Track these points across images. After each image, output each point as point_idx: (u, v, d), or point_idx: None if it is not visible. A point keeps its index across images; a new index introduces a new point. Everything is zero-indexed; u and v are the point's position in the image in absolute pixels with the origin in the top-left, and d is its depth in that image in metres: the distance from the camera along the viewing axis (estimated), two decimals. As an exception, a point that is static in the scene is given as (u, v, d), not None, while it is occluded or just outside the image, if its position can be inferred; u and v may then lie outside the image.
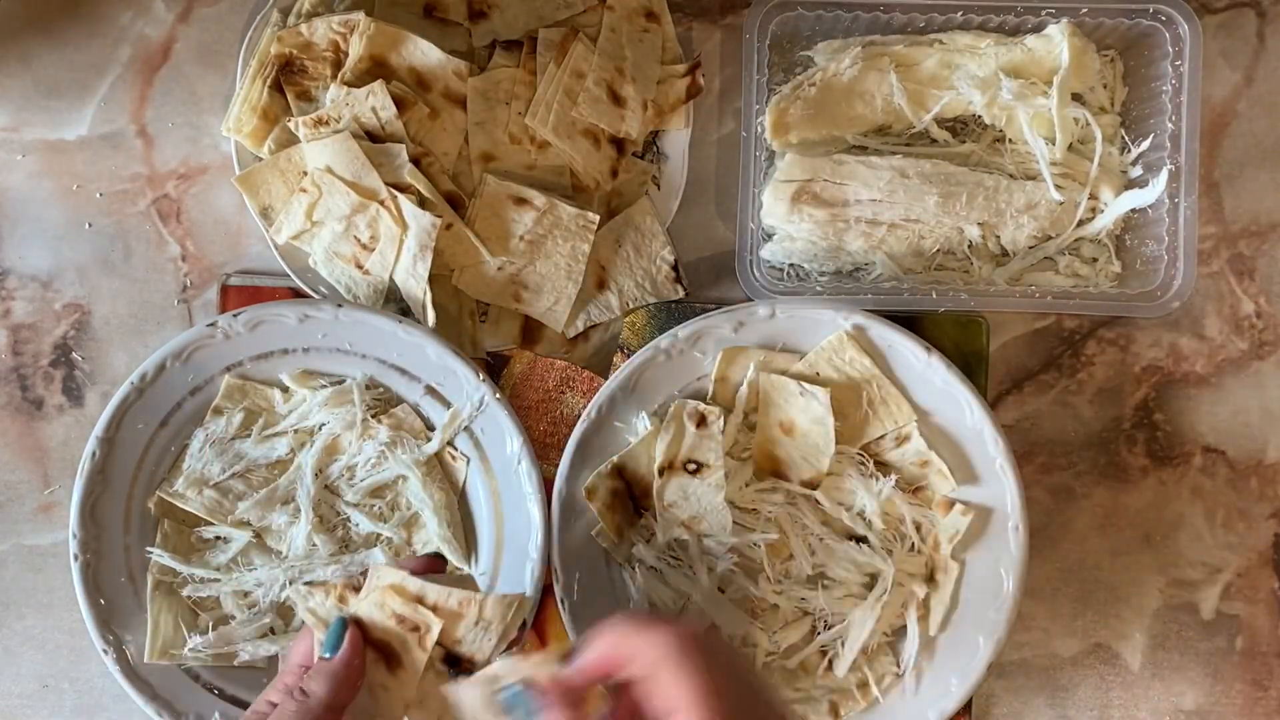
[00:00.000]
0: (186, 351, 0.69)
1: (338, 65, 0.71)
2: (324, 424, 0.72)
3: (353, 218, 0.71)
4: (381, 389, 0.72)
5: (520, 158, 0.74)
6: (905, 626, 0.71)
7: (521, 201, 0.73)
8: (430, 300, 0.71)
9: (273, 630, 0.72)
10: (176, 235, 0.76)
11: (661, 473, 0.70)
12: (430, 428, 0.72)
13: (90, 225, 0.76)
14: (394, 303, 0.73)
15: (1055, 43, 0.72)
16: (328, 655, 0.54)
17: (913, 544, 0.71)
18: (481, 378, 0.70)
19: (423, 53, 0.71)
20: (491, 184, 0.73)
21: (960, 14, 0.73)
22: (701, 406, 0.70)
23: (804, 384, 0.69)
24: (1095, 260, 0.75)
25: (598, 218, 0.73)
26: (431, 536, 0.71)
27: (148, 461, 0.71)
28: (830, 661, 0.71)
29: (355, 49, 0.71)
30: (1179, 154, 0.72)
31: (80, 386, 0.76)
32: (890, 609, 0.70)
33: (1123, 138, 0.74)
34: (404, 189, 0.71)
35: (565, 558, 0.70)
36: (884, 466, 0.71)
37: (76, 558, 0.69)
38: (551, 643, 0.74)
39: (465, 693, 0.52)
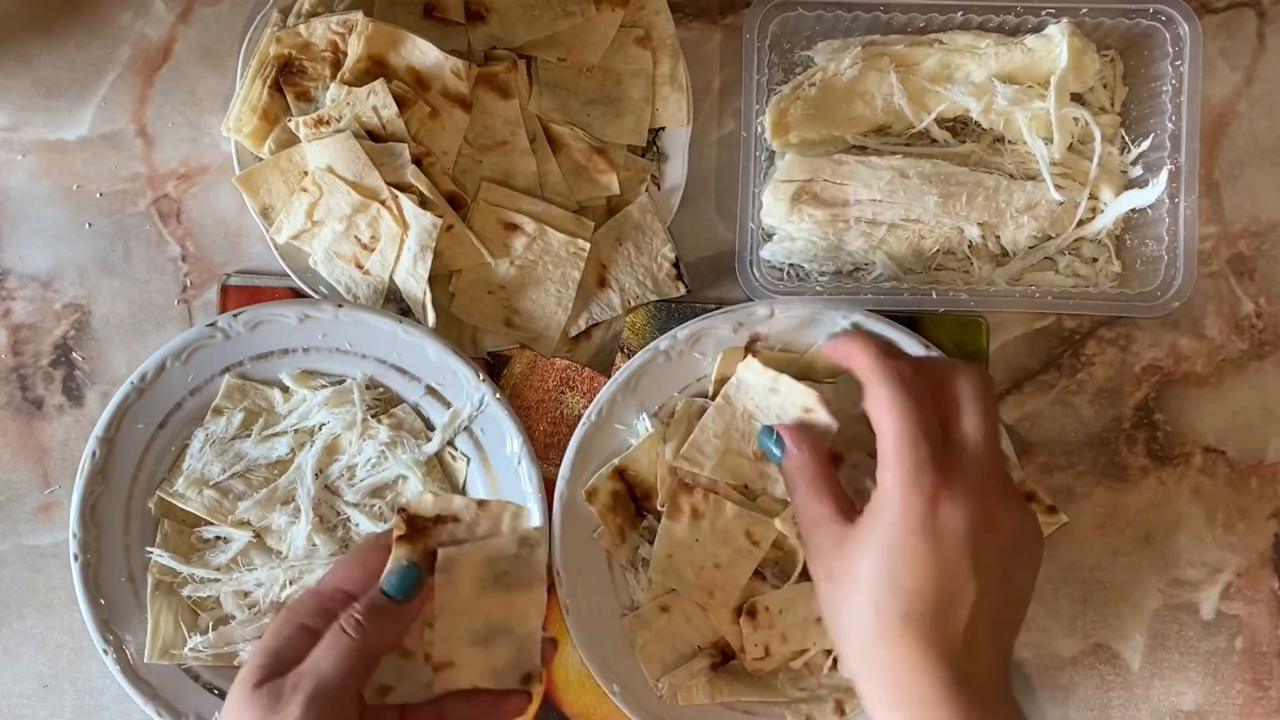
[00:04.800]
0: (186, 351, 0.69)
1: (336, 65, 0.71)
2: (324, 424, 0.72)
3: (353, 217, 0.71)
4: (381, 389, 0.72)
5: (527, 165, 0.74)
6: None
7: (512, 227, 0.73)
8: (430, 300, 0.71)
9: (273, 630, 0.72)
10: (176, 235, 0.76)
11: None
12: (430, 428, 0.72)
13: (90, 225, 0.76)
14: (394, 303, 0.73)
15: (1055, 43, 0.72)
16: (398, 597, 0.51)
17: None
18: (481, 378, 0.70)
19: (421, 52, 0.71)
20: (483, 207, 0.73)
21: (960, 14, 0.73)
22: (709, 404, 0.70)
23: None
24: (1095, 260, 0.75)
25: (588, 245, 0.73)
26: (432, 536, 0.71)
27: (148, 461, 0.71)
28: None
29: (354, 49, 0.70)
30: (1179, 154, 0.72)
31: (80, 386, 0.76)
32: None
33: (1123, 138, 0.74)
34: (405, 189, 0.71)
35: (567, 561, 0.70)
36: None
37: (76, 558, 0.69)
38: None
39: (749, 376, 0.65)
